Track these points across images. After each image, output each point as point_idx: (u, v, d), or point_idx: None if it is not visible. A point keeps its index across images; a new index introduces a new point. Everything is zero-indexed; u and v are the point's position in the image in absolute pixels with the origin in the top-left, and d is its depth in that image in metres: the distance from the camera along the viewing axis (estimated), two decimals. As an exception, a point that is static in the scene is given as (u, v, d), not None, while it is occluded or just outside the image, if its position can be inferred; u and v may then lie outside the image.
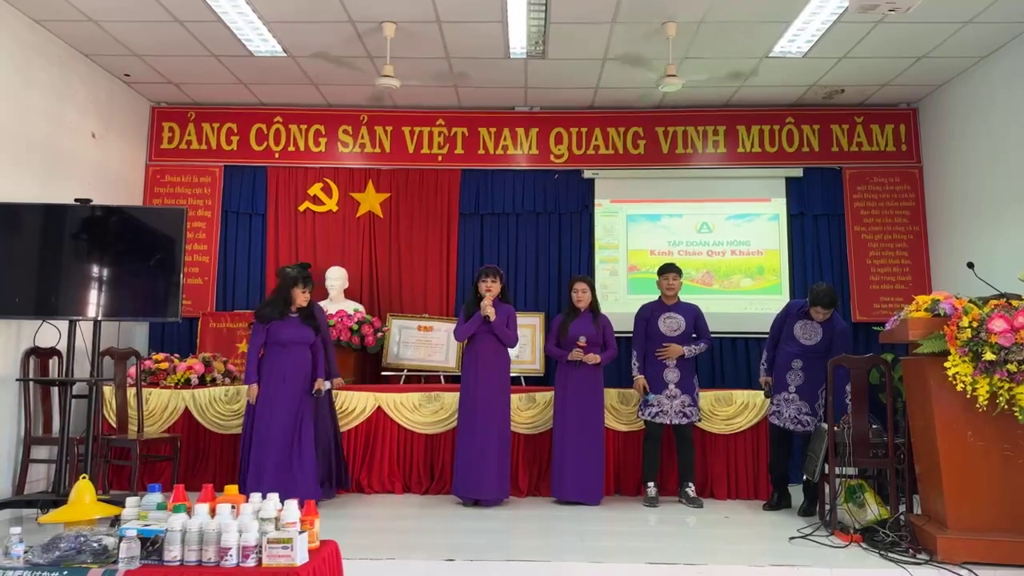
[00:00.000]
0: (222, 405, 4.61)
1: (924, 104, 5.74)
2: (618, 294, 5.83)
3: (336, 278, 5.55)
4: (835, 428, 3.71)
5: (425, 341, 5.51)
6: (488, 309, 4.14)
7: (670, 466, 4.53)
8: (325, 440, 4.15)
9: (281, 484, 3.65)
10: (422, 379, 5.45)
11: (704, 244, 5.87)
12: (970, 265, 3.55)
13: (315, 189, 5.92)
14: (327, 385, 4.13)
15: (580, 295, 4.34)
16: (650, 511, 4.13)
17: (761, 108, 5.89)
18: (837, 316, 4.18)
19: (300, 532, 2.04)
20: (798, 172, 5.84)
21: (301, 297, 4.08)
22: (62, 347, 4.24)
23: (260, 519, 2.09)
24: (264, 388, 3.96)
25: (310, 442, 3.93)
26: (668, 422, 4.30)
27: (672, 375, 4.33)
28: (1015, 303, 3.05)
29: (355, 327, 5.05)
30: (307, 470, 3.86)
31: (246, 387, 4.03)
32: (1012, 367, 2.93)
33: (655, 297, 4.53)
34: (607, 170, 5.92)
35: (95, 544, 2.03)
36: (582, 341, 4.21)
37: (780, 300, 5.44)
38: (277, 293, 4.11)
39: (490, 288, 4.23)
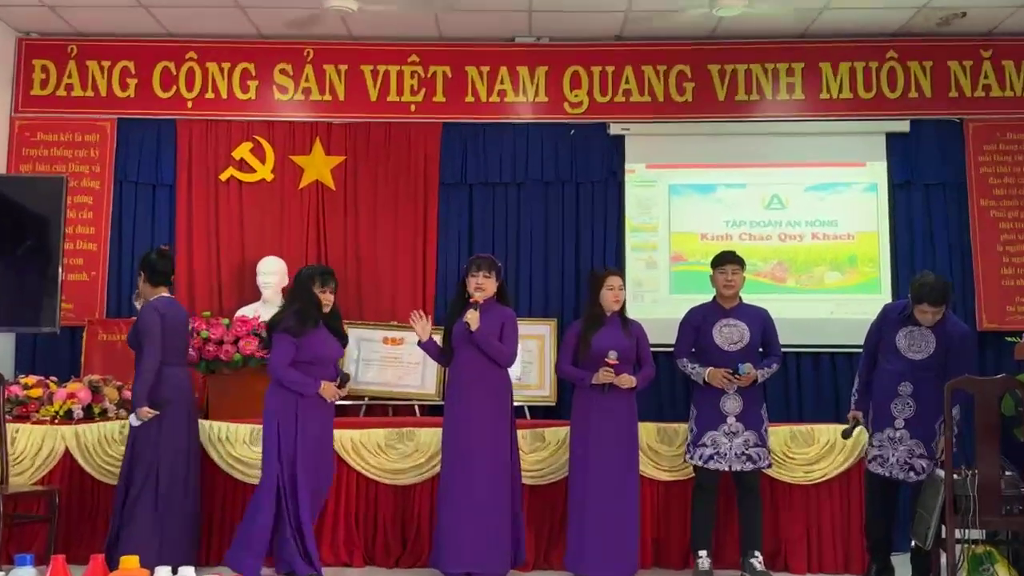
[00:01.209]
0: (116, 447, 4.59)
1: (1075, 33, 5.76)
2: (657, 293, 5.83)
3: (271, 273, 5.55)
4: (955, 476, 3.71)
5: (394, 358, 5.50)
6: (470, 316, 4.14)
7: (729, 528, 4.53)
8: None
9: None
10: (390, 410, 5.46)
11: (775, 225, 5.86)
12: None
13: (242, 151, 5.92)
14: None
15: (617, 293, 4.35)
16: (702, 590, 4.14)
17: (852, 39, 5.88)
18: (953, 317, 4.18)
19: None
20: (903, 126, 5.84)
21: (325, 299, 4.27)
22: None
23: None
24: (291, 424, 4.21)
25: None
26: (726, 468, 4.30)
27: (732, 404, 4.33)
28: None
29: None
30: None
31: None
32: None
33: (708, 298, 4.53)
34: (641, 124, 5.91)
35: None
36: (612, 357, 4.20)
37: (879, 301, 5.43)
38: (297, 295, 4.30)
39: (482, 286, 4.24)
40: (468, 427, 4.18)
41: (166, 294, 4.35)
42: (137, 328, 4.26)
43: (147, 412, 4.12)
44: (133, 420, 4.20)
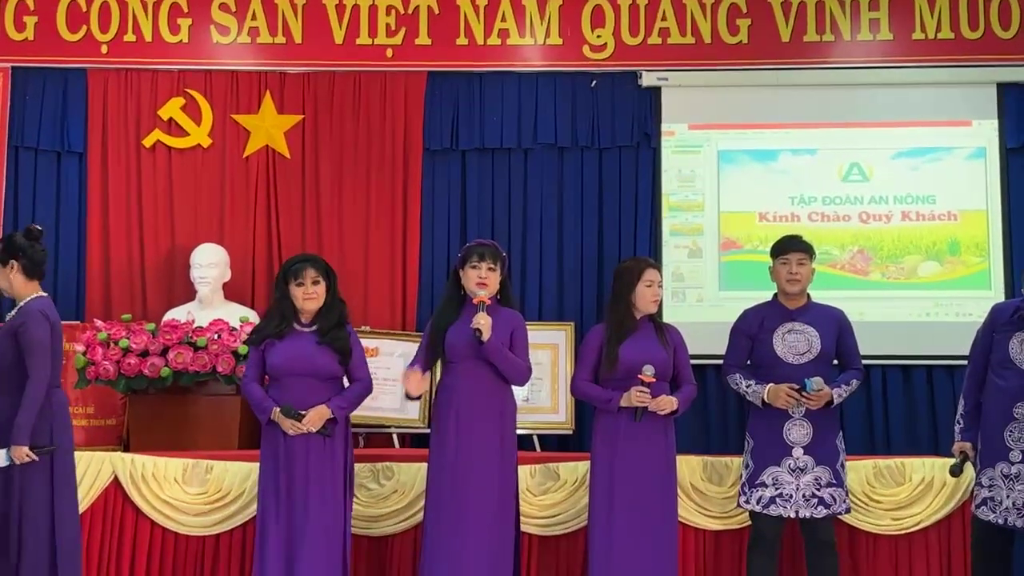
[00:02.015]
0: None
1: None
2: (703, 290, 5.85)
3: (209, 265, 5.57)
4: (1088, 524, 3.69)
5: (366, 374, 5.52)
6: (482, 321, 4.12)
7: (796, 591, 4.52)
8: None
9: None
10: (361, 440, 5.46)
11: (855, 202, 5.88)
12: None
13: (172, 109, 5.94)
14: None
15: (657, 292, 4.33)
16: (762, 671, 4.14)
17: (954, -38, 5.90)
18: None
19: None
20: (1020, 75, 5.85)
21: (303, 296, 4.22)
22: None
23: None
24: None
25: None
26: (792, 515, 4.28)
27: (799, 433, 4.31)
28: None
29: (243, 349, 5.03)
30: None
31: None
32: None
33: (768, 296, 4.51)
34: (682, 72, 5.93)
35: None
36: (649, 373, 4.17)
37: (989, 300, 5.42)
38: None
39: (486, 280, 4.21)
40: (464, 462, 4.15)
41: (42, 292, 4.27)
42: (27, 339, 4.16)
43: (24, 454, 4.05)
44: (2, 459, 4.04)
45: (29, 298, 4.14)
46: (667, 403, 4.21)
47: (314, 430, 4.11)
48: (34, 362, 4.05)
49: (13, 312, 4.14)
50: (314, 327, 4.22)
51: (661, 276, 4.41)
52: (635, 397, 4.18)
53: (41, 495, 4.09)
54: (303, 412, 4.10)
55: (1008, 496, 4.11)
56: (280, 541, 4.10)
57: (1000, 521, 4.12)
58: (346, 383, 4.31)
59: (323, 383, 4.20)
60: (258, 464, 4.47)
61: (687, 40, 5.93)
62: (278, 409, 4.12)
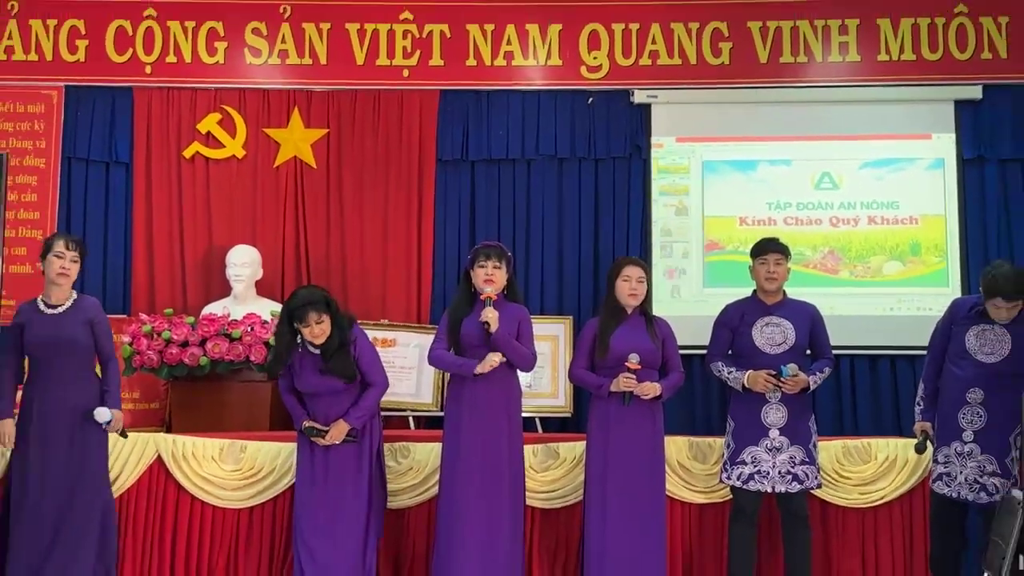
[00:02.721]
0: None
1: None
2: (689, 287, 5.84)
3: (243, 264, 5.56)
4: (1035, 498, 3.70)
5: (385, 363, 5.46)
6: (489, 316, 4.14)
7: (772, 559, 4.53)
8: None
9: None
10: (381, 423, 5.46)
11: (826, 208, 5.88)
12: None
13: (209, 124, 5.94)
14: None
15: (635, 286, 4.33)
16: (741, 630, 4.15)
17: (916, -10, 5.89)
18: (1033, 314, 4.16)
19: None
20: (975, 92, 5.83)
21: (310, 336, 4.19)
22: None
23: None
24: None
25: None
26: (769, 489, 4.29)
27: (775, 415, 4.31)
28: None
29: (272, 341, 5.05)
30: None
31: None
32: None
33: (749, 292, 4.52)
34: (671, 90, 5.92)
35: None
36: (634, 361, 4.19)
37: (947, 296, 5.43)
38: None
39: (492, 278, 4.22)
40: (475, 442, 4.17)
41: None
42: (106, 327, 4.26)
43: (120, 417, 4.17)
44: (105, 415, 4.10)
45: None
46: (650, 389, 4.22)
47: (338, 442, 4.17)
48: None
49: (68, 304, 4.16)
50: (319, 350, 4.22)
51: (646, 273, 4.38)
52: (622, 383, 4.20)
53: (101, 465, 4.18)
54: (325, 428, 4.17)
55: (961, 472, 4.13)
56: (319, 513, 4.16)
57: (954, 495, 4.14)
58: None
59: (341, 394, 4.23)
60: (286, 444, 4.51)
61: (675, 61, 5.93)
62: (304, 424, 4.20)
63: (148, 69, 5.95)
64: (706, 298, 5.63)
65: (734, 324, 4.42)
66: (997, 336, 4.12)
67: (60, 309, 4.12)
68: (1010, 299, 4.01)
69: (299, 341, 4.25)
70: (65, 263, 4.09)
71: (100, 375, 4.22)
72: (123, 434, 4.26)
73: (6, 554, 4.07)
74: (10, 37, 5.93)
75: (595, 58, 5.94)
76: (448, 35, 5.95)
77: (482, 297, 4.21)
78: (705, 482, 4.59)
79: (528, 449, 4.51)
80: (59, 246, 4.09)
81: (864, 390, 5.72)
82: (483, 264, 4.24)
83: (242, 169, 5.94)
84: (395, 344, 5.48)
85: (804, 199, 5.87)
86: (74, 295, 4.19)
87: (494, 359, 4.16)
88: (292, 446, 4.39)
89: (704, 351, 4.56)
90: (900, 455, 4.57)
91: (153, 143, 5.95)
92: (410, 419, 5.45)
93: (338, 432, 4.17)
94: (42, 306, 4.13)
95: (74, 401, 4.07)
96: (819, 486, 4.40)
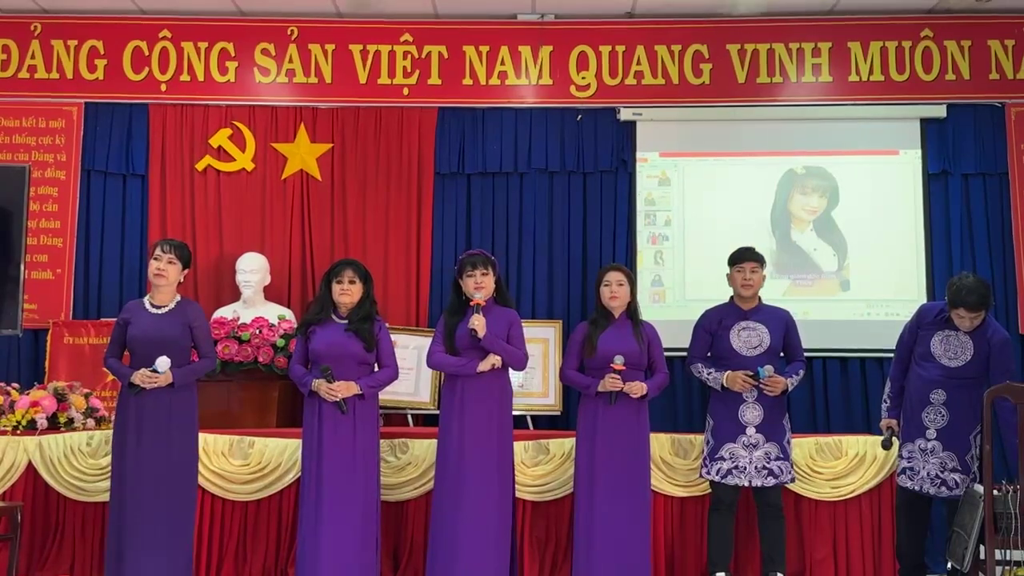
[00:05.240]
0: (83, 459, 4.61)
1: None
2: (673, 293, 5.86)
3: (252, 271, 5.57)
4: (995, 492, 3.71)
5: (385, 364, 5.52)
6: (476, 323, 4.15)
7: (749, 549, 4.55)
8: None
9: None
10: (380, 420, 5.46)
11: (800, 218, 5.90)
12: None
13: (220, 138, 5.94)
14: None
15: (615, 290, 4.35)
16: (720, 615, 4.16)
17: (884, 16, 5.90)
18: (994, 323, 4.18)
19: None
20: (939, 111, 5.85)
21: (339, 292, 4.26)
22: None
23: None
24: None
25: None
26: (746, 484, 4.31)
27: (752, 414, 4.34)
28: None
29: (280, 343, 5.05)
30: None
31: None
32: None
33: (726, 298, 4.54)
34: (655, 108, 5.94)
35: None
36: (619, 362, 4.21)
37: (914, 303, 5.44)
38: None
39: (481, 284, 4.24)
40: (468, 439, 4.17)
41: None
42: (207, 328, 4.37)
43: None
44: (164, 364, 4.06)
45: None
46: (636, 388, 4.24)
47: (339, 397, 4.14)
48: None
49: (171, 305, 4.20)
50: (346, 319, 4.26)
51: (627, 277, 4.38)
52: (608, 383, 4.22)
53: (192, 457, 4.22)
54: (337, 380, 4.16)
55: (924, 467, 4.16)
56: (319, 503, 4.13)
57: (917, 488, 4.16)
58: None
59: (356, 366, 4.22)
60: (292, 440, 4.51)
61: (658, 81, 5.95)
62: (322, 365, 4.16)
63: (163, 87, 5.96)
64: (689, 305, 5.60)
65: (713, 328, 4.45)
66: (960, 342, 4.15)
67: (163, 310, 4.18)
68: (973, 310, 4.03)
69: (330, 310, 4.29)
70: (161, 264, 4.15)
71: None
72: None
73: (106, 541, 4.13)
74: (33, 56, 5.94)
75: (583, 78, 5.96)
76: (446, 56, 5.97)
77: (471, 304, 4.23)
78: (686, 476, 4.61)
79: (519, 445, 4.52)
80: (156, 250, 4.20)
81: (836, 390, 5.73)
82: (471, 273, 4.26)
83: (251, 181, 5.94)
84: (395, 346, 5.43)
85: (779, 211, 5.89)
86: (178, 298, 4.25)
87: (495, 360, 4.18)
88: (297, 442, 4.40)
89: (684, 353, 4.58)
90: (869, 452, 4.60)
91: (167, 156, 5.95)
92: (408, 416, 5.46)
93: (346, 387, 4.15)
94: (148, 305, 4.20)
95: (168, 396, 4.09)
96: (793, 480, 4.43)
